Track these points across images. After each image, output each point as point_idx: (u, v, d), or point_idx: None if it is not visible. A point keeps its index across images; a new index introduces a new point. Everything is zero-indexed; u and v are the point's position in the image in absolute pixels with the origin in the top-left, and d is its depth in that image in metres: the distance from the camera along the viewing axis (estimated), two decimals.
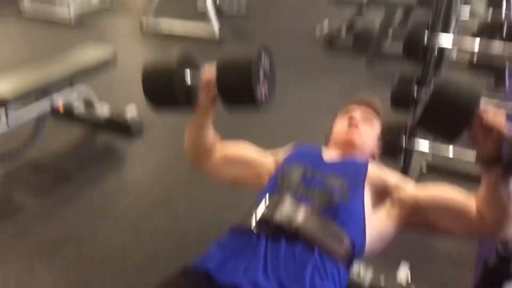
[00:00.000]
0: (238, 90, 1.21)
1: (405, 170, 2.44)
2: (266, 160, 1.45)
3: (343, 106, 1.61)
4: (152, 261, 1.98)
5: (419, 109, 1.16)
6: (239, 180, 1.49)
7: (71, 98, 2.92)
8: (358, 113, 1.52)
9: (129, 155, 2.81)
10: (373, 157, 1.53)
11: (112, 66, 3.01)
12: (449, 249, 2.08)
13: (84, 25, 5.50)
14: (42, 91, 2.59)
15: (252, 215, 1.19)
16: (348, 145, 1.45)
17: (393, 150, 2.19)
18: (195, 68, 1.36)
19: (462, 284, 1.92)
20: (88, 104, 3.09)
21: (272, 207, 1.17)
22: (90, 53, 2.91)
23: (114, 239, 2.12)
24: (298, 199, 1.19)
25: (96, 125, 3.09)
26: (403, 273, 1.85)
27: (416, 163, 2.56)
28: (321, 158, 1.38)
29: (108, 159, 2.77)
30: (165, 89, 1.30)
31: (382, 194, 1.31)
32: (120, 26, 5.67)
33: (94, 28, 5.46)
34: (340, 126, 1.52)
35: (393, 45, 4.45)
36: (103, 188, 2.48)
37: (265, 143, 1.56)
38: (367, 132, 1.50)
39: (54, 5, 5.63)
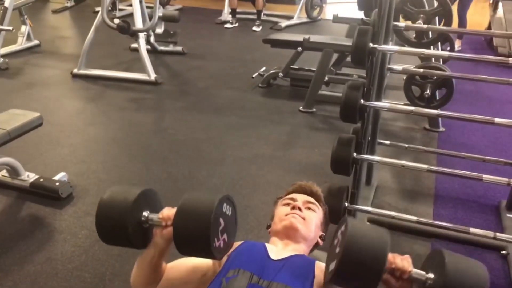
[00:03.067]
0: (194, 239, 1.18)
1: None
2: (211, 263, 1.37)
3: (284, 194, 1.56)
4: None
5: (330, 268, 1.16)
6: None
7: None
8: (299, 200, 1.47)
9: (58, 227, 2.58)
10: (317, 243, 1.48)
11: (39, 126, 2.83)
12: None
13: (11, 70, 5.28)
14: None
15: None
16: (290, 232, 1.39)
17: (337, 214, 2.18)
18: (154, 209, 1.33)
19: None
20: (12, 170, 2.86)
21: None
22: (14, 122, 2.68)
23: None
24: None
25: (20, 192, 2.86)
26: None
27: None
28: (267, 256, 1.29)
29: (35, 234, 2.52)
30: (118, 229, 1.26)
31: None
32: (49, 71, 5.39)
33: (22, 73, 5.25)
34: (281, 213, 1.46)
35: (329, 89, 4.53)
36: (29, 270, 2.24)
37: None
38: (310, 217, 1.45)
39: None
